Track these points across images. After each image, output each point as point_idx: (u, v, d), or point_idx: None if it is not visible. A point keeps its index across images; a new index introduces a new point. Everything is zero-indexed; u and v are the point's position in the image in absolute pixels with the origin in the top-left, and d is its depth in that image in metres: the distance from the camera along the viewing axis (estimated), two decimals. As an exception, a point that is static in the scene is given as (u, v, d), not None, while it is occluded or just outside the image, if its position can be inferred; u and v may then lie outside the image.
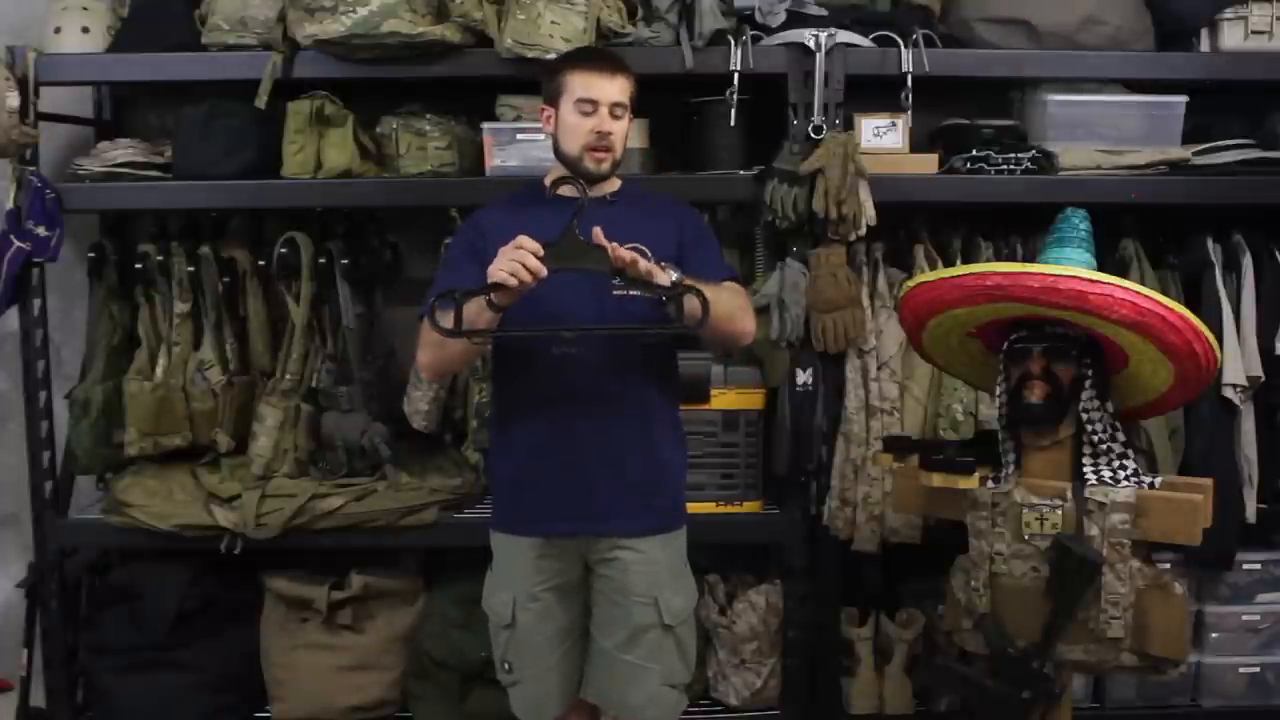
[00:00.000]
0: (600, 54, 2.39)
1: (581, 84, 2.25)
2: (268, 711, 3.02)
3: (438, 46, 2.78)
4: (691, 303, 2.08)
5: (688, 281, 2.11)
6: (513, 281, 2.02)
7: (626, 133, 2.30)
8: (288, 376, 3.00)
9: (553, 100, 2.29)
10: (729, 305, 2.24)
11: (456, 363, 2.38)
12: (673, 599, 2.31)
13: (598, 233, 2.08)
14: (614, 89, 2.25)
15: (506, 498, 2.38)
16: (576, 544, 2.31)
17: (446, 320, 2.10)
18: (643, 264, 2.08)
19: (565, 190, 2.21)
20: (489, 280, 2.05)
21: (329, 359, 3.04)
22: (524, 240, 2.04)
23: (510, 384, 2.36)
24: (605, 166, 2.27)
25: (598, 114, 2.24)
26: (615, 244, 2.08)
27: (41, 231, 2.85)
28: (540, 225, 2.11)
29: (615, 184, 2.37)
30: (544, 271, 2.04)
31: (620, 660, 2.30)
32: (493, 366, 2.48)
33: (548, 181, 2.30)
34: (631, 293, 2.20)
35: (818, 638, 2.98)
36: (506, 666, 2.37)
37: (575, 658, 2.36)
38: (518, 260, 2.02)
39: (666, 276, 2.11)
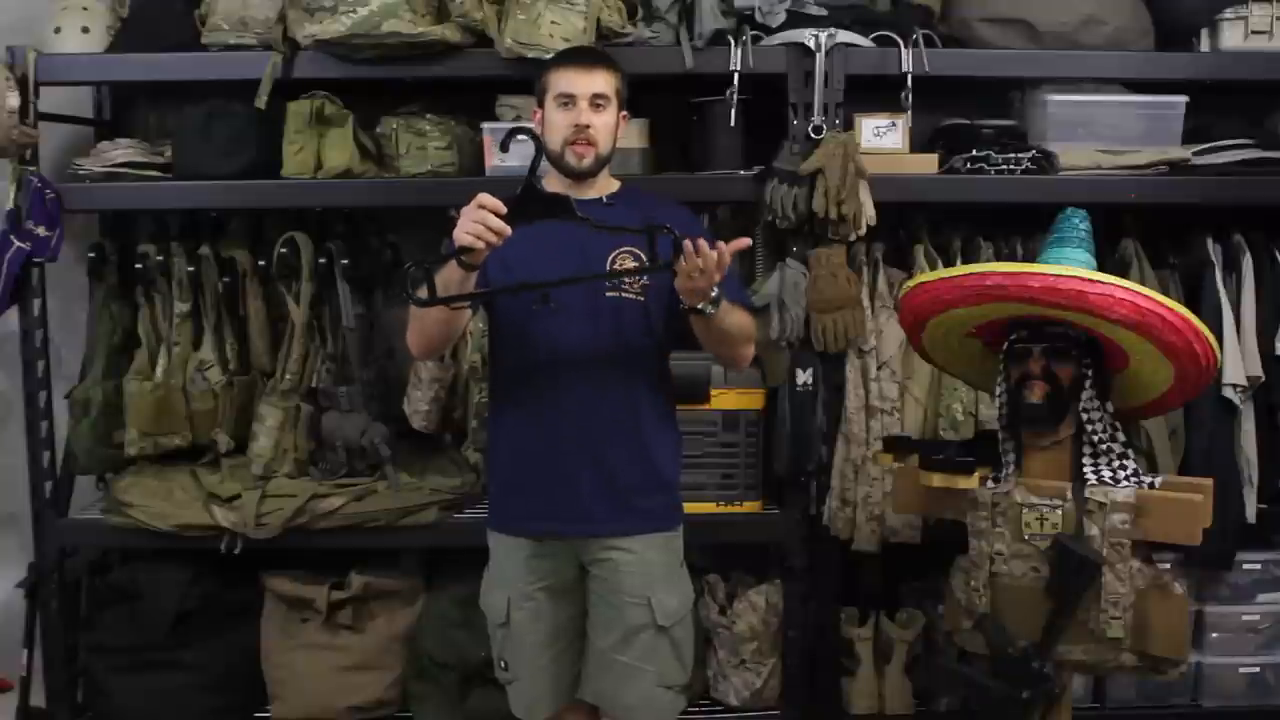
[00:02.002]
0: (581, 51, 2.40)
1: (561, 80, 2.25)
2: (268, 711, 3.02)
3: (438, 46, 2.78)
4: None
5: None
6: (479, 244, 2.01)
7: (613, 127, 2.29)
8: (288, 376, 3.00)
9: (540, 100, 2.30)
10: (741, 326, 2.27)
11: (436, 336, 2.29)
12: (666, 599, 2.30)
13: (695, 247, 2.04)
14: (592, 82, 2.24)
15: (500, 497, 2.39)
16: (569, 544, 2.31)
17: (421, 291, 2.10)
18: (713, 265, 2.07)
19: (556, 173, 2.23)
20: (455, 245, 2.04)
21: (329, 359, 3.04)
22: (484, 199, 2.03)
23: (503, 385, 2.36)
24: (587, 161, 2.26)
25: (576, 107, 2.23)
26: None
27: (41, 231, 2.85)
28: (540, 226, 2.11)
29: (614, 185, 2.36)
30: (508, 230, 2.02)
31: (615, 661, 2.30)
32: (489, 368, 2.47)
33: (545, 185, 2.30)
34: (624, 295, 2.23)
35: (818, 638, 2.98)
36: (503, 665, 2.38)
37: (570, 658, 2.36)
38: (480, 221, 2.01)
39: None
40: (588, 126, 2.24)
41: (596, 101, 2.25)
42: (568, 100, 2.24)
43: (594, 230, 2.15)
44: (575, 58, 2.31)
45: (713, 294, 2.11)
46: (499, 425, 2.37)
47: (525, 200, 2.09)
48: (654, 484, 2.32)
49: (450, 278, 2.09)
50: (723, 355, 2.35)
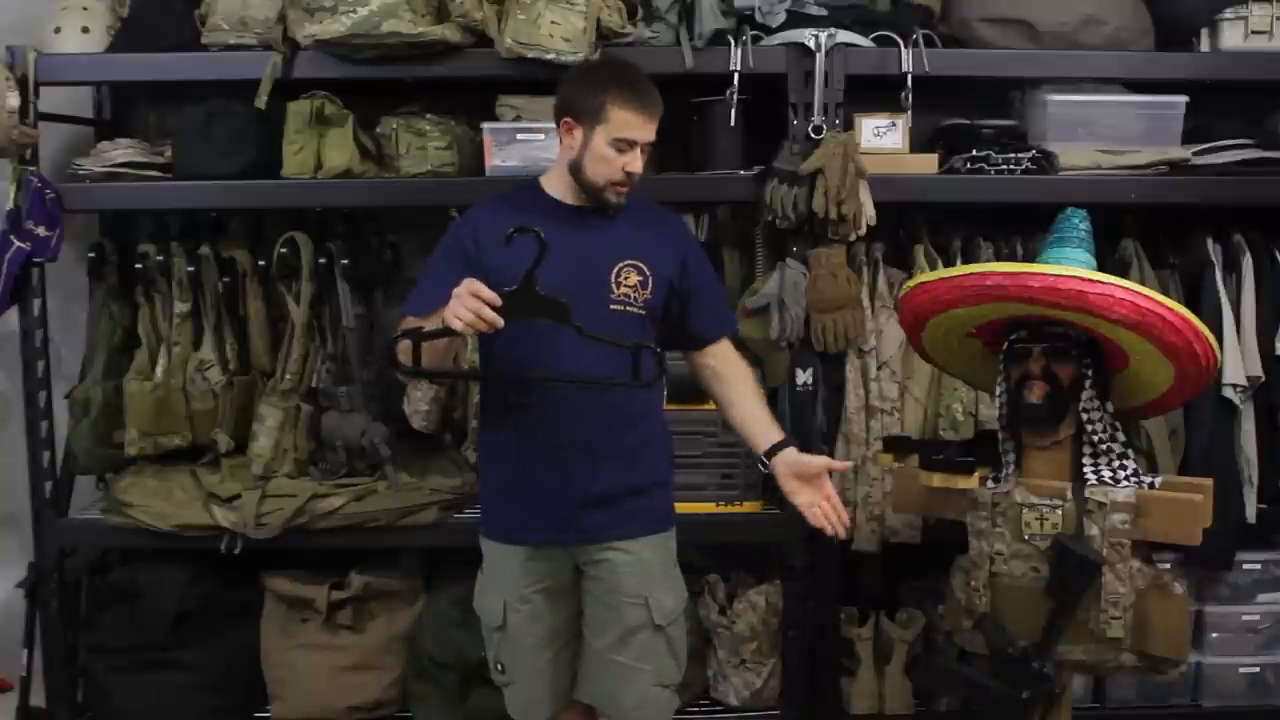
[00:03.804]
0: (646, 89, 2.24)
1: (625, 122, 2.17)
2: (268, 711, 3.02)
3: (438, 46, 2.78)
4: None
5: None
6: (469, 332, 2.00)
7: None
8: (288, 376, 3.00)
9: (585, 120, 2.19)
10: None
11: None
12: (663, 599, 2.30)
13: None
14: (652, 130, 2.22)
15: (492, 508, 2.38)
16: (565, 549, 2.31)
17: (405, 358, 2.10)
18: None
19: (558, 177, 2.21)
20: (445, 324, 2.00)
21: (329, 359, 3.04)
22: (480, 289, 1.98)
23: (494, 395, 2.35)
24: (624, 199, 2.25)
25: (633, 152, 2.20)
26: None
27: (41, 231, 2.85)
28: (545, 232, 2.10)
29: None
30: (500, 322, 1.99)
31: (612, 661, 2.30)
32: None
33: (546, 188, 2.29)
34: (628, 309, 2.22)
35: (818, 638, 2.98)
36: (499, 668, 2.37)
37: (567, 659, 2.36)
38: (473, 310, 1.97)
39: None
40: (636, 173, 2.22)
41: (645, 148, 2.23)
42: (626, 146, 2.18)
43: (585, 336, 2.10)
44: (644, 102, 2.21)
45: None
46: (492, 435, 2.36)
47: (521, 298, 2.04)
48: (648, 487, 2.32)
49: (435, 341, 2.09)
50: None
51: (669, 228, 2.36)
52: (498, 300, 1.98)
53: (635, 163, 2.20)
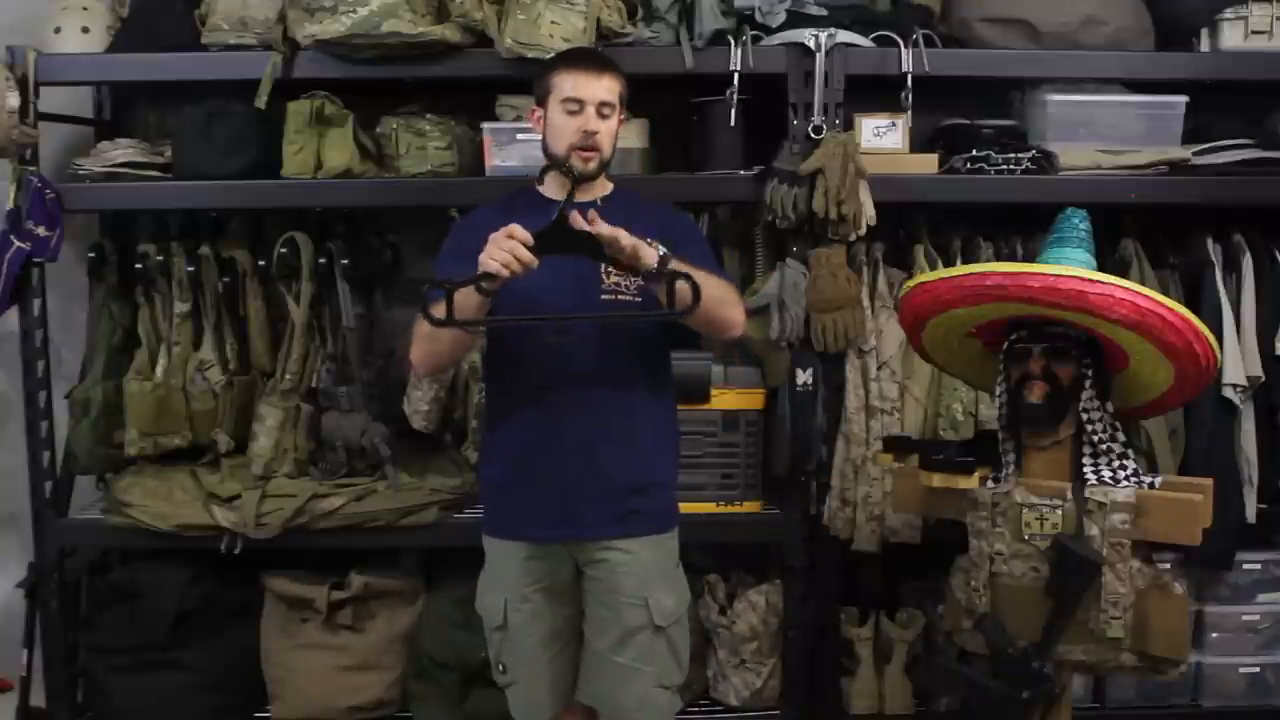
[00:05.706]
0: (587, 54, 2.37)
1: (568, 84, 2.24)
2: (268, 711, 3.02)
3: (438, 46, 2.78)
4: (681, 287, 2.05)
5: (674, 265, 2.08)
6: (505, 272, 2.01)
7: (615, 132, 2.29)
8: (288, 376, 3.00)
9: (542, 100, 2.28)
10: (716, 290, 2.21)
11: (447, 355, 2.32)
12: (663, 599, 2.30)
13: (587, 217, 2.06)
14: (600, 89, 2.24)
15: (493, 502, 2.38)
16: (564, 546, 2.31)
17: (438, 312, 2.08)
18: (625, 239, 2.05)
19: (551, 178, 2.21)
20: (480, 269, 2.03)
21: (329, 359, 3.04)
22: (515, 230, 2.03)
23: (497, 389, 2.36)
24: (592, 166, 2.25)
25: (584, 113, 2.23)
26: (600, 223, 2.06)
27: (41, 231, 2.85)
28: (535, 228, 2.10)
29: (607, 188, 2.36)
30: (535, 262, 2.03)
31: (612, 662, 2.30)
32: (483, 371, 2.46)
33: (539, 187, 2.31)
34: (619, 297, 2.22)
35: (818, 638, 2.98)
36: (501, 668, 2.37)
37: (568, 660, 2.36)
38: (508, 250, 2.01)
39: (654, 253, 2.09)
40: (595, 133, 2.23)
41: (603, 109, 2.24)
42: (575, 105, 2.23)
43: (617, 272, 2.13)
44: (583, 62, 2.28)
45: (660, 253, 2.09)
46: (493, 429, 2.36)
47: (555, 234, 2.08)
48: (650, 486, 2.32)
49: (466, 302, 2.08)
50: (709, 321, 2.24)
51: (655, 213, 2.35)
52: (531, 239, 2.02)
53: (590, 122, 2.23)
